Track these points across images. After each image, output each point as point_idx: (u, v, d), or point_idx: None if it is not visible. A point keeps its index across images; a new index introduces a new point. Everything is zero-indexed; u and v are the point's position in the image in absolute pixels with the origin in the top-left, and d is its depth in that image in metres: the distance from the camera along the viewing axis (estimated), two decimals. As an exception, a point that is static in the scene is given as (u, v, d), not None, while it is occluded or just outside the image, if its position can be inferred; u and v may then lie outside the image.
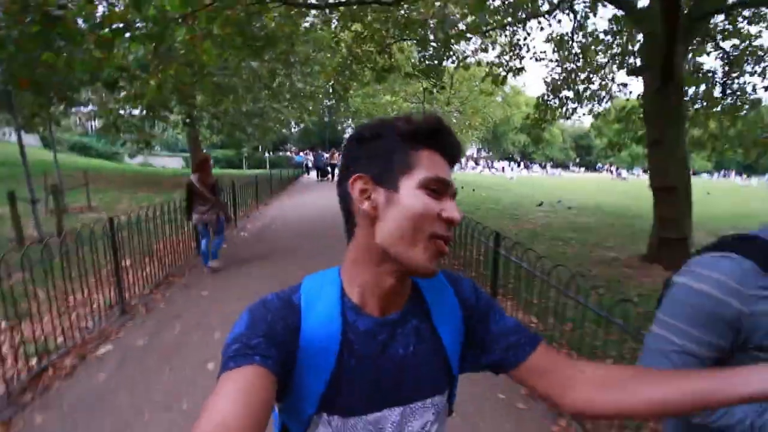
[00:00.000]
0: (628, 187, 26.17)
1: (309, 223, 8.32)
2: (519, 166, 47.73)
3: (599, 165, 50.59)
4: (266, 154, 28.78)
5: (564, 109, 9.39)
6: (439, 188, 0.58)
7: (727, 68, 6.76)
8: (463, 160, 45.88)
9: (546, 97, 8.96)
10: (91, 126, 28.26)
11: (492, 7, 7.60)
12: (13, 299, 2.45)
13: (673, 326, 0.76)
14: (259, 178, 10.82)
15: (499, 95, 26.60)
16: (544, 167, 48.16)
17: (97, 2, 4.43)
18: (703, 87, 7.04)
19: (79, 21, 4.21)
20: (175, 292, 4.23)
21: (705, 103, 6.93)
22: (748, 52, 6.52)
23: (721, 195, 21.87)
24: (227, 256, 5.48)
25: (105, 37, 4.06)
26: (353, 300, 0.61)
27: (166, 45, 5.79)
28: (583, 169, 52.52)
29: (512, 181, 27.71)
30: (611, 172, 44.58)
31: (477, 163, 45.36)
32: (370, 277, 0.60)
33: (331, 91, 12.50)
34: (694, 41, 6.25)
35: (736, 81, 6.89)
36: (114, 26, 4.14)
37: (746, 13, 6.47)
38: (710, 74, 6.99)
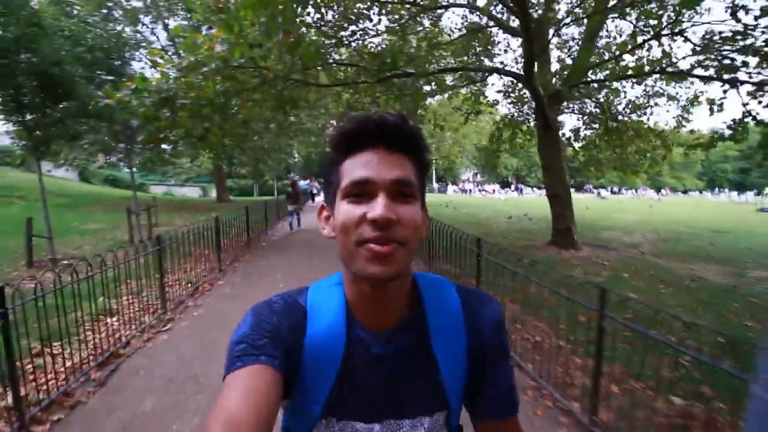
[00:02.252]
0: (597, 204, 28.84)
1: (316, 231, 11.11)
2: (510, 188, 50.72)
3: (586, 186, 53.54)
4: (275, 182, 31.95)
5: (513, 141, 12.30)
6: (362, 190, 0.54)
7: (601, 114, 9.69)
8: (459, 184, 50.13)
9: (496, 134, 11.87)
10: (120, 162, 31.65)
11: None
12: (181, 256, 5.21)
13: None
14: (274, 202, 13.76)
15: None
16: (539, 189, 51.25)
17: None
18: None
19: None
20: (244, 263, 6.97)
21: (582, 142, 9.95)
22: (616, 104, 9.48)
23: (599, 209, 23.02)
24: (269, 244, 8.25)
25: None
26: (353, 309, 0.61)
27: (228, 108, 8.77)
28: (573, 189, 55.67)
29: (501, 201, 30.51)
30: (593, 191, 47.73)
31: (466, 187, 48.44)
32: (353, 287, 0.61)
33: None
34: (568, 102, 9.20)
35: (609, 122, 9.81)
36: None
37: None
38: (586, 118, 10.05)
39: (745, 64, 5.72)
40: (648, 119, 9.30)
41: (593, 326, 2.48)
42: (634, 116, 9.70)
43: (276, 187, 30.72)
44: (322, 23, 8.91)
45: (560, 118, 10.52)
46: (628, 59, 7.76)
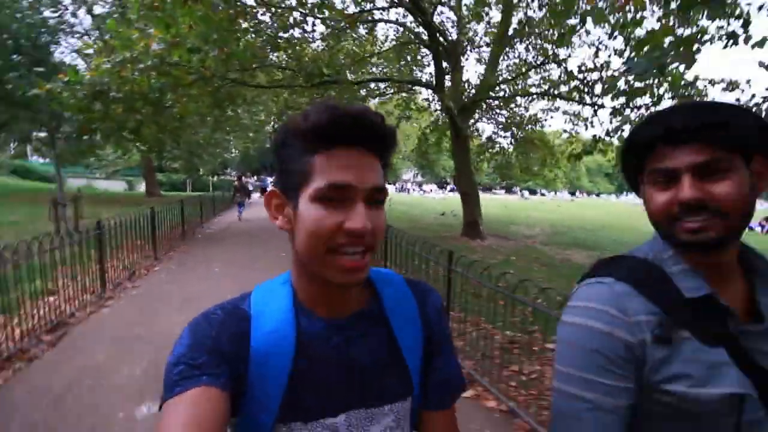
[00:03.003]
0: (518, 204, 32.02)
1: (254, 225, 11.55)
2: (445, 188, 53.70)
3: (515, 188, 58.30)
4: (211, 178, 31.03)
5: (439, 146, 13.66)
6: (339, 195, 0.51)
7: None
8: (399, 183, 52.25)
9: (422, 138, 13.11)
10: (29, 151, 28.77)
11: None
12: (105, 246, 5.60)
13: (577, 378, 0.60)
14: (209, 197, 13.85)
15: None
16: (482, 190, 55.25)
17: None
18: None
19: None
20: (180, 252, 7.35)
21: (491, 148, 11.69)
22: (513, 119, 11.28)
23: (517, 207, 27.10)
24: (205, 237, 8.62)
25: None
26: (304, 304, 0.59)
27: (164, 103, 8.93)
28: (503, 191, 60.22)
29: (436, 200, 32.46)
30: (518, 193, 52.46)
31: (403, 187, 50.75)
32: (310, 284, 0.58)
33: (273, 126, 15.84)
34: (479, 112, 10.72)
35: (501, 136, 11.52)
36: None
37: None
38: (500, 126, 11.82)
39: (604, 92, 7.33)
40: (546, 131, 11.11)
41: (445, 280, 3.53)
42: (537, 127, 11.41)
43: (212, 182, 29.86)
44: (260, 27, 9.41)
45: (480, 125, 12.08)
46: (529, 80, 9.30)
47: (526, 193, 49.91)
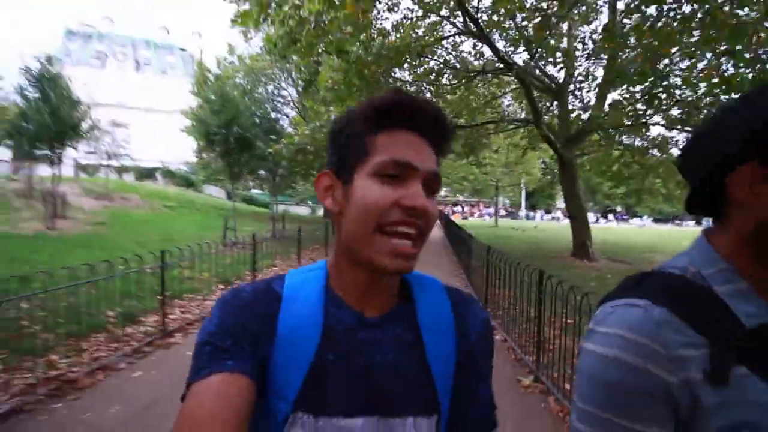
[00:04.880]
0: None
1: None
2: (608, 217, 49.20)
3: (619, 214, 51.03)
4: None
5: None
6: (400, 172, 0.51)
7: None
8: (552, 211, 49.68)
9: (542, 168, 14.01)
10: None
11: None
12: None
13: (599, 419, 0.49)
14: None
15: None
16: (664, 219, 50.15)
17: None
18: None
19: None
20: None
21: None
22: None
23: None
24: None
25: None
26: (337, 294, 0.58)
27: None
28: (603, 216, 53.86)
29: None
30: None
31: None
32: (348, 272, 0.57)
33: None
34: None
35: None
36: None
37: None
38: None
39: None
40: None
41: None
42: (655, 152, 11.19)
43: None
44: (402, 83, 12.17)
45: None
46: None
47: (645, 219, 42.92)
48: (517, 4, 7.40)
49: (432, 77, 10.83)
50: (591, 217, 45.81)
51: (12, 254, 7.07)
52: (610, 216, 50.39)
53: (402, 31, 8.93)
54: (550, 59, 9.56)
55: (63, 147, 11.42)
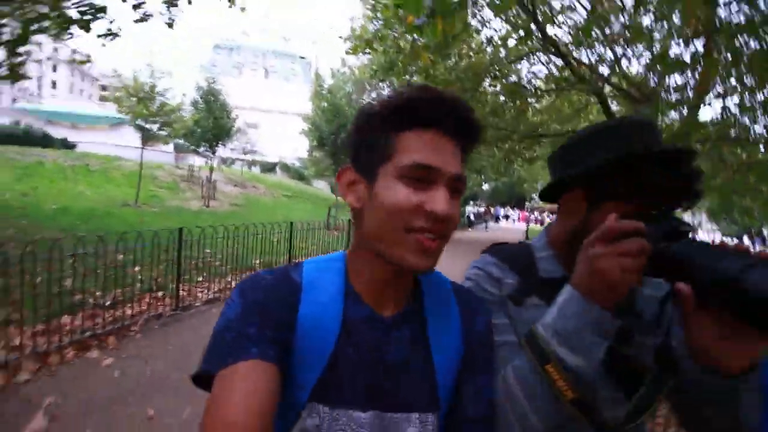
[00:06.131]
0: None
1: (491, 236, 15.41)
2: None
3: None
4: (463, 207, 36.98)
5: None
6: (424, 176, 0.52)
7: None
8: None
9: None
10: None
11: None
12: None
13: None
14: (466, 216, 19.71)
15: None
16: None
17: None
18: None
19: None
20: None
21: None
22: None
23: None
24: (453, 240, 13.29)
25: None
26: (354, 288, 0.59)
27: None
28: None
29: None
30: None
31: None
32: (366, 268, 0.58)
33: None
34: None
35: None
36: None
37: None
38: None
39: None
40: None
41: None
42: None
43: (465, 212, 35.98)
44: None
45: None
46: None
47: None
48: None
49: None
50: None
51: (186, 221, 10.06)
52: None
53: (480, 53, 9.87)
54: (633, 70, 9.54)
55: (217, 145, 15.03)
